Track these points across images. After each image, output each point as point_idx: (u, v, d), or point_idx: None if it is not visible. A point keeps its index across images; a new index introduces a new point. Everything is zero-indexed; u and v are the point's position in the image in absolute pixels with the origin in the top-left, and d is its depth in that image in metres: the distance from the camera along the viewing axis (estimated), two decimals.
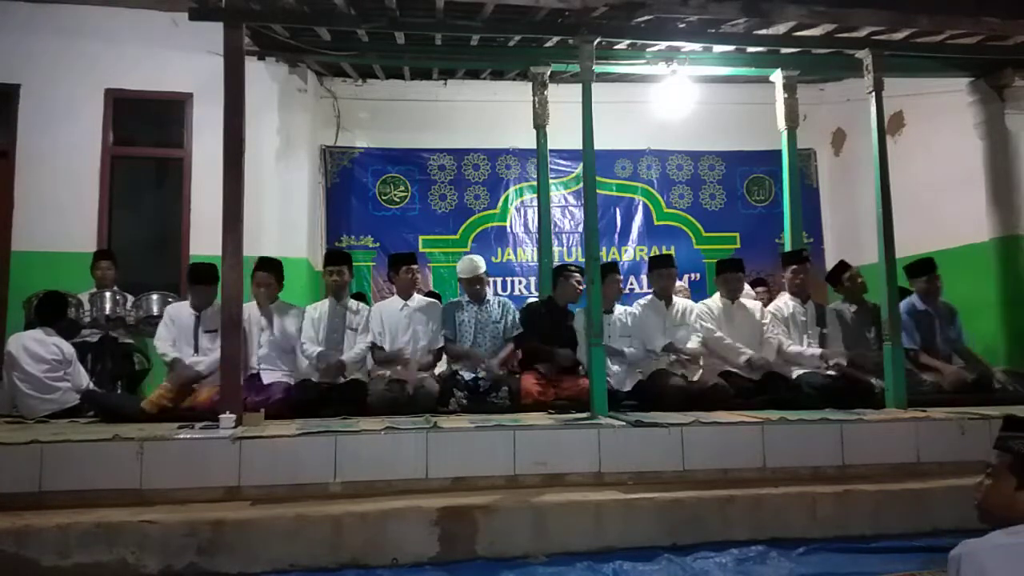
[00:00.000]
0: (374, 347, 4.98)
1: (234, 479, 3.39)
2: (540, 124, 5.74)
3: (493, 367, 4.86)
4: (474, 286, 5.14)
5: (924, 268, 5.43)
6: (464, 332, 5.07)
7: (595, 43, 4.72)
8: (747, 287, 5.78)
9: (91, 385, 4.81)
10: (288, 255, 6.03)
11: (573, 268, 5.30)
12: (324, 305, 5.01)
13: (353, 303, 5.10)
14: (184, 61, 6.05)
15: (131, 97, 6.21)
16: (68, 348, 4.73)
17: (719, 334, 5.05)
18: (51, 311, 4.84)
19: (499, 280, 7.39)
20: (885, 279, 4.80)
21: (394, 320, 5.03)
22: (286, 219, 6.42)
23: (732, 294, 5.22)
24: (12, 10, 6.01)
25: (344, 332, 4.94)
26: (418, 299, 5.17)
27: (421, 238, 7.40)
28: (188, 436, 3.51)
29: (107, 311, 5.17)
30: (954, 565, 1.61)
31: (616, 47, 5.49)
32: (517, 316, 5.23)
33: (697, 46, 5.45)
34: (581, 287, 5.07)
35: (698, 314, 5.16)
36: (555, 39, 5.46)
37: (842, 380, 4.81)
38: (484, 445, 3.60)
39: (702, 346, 5.05)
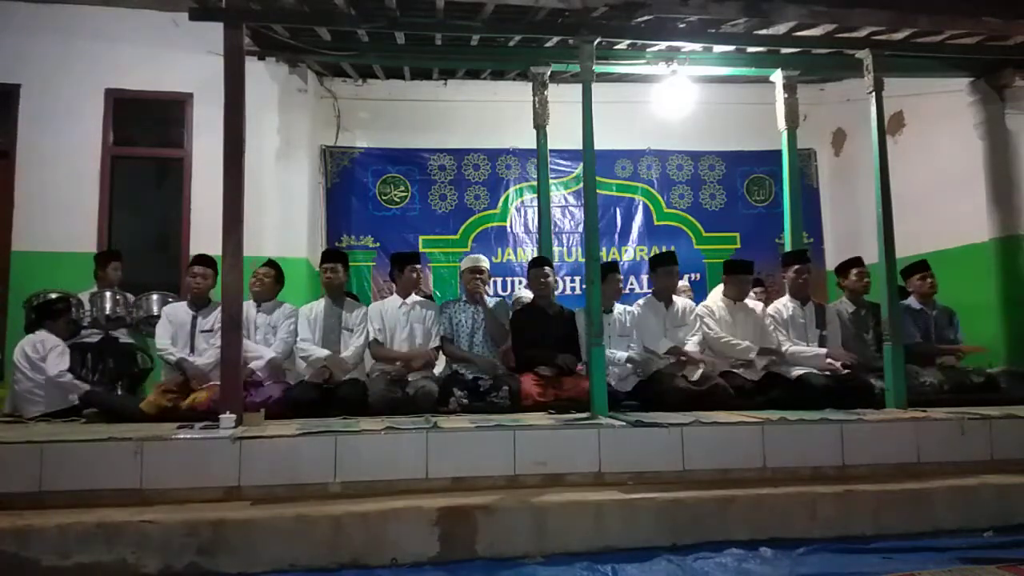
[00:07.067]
0: (375, 343, 4.95)
1: (234, 479, 3.39)
2: (540, 124, 5.74)
3: (497, 368, 4.85)
4: (474, 275, 5.06)
5: (917, 267, 5.49)
6: (461, 333, 5.01)
7: (595, 43, 4.71)
8: None
9: (76, 379, 4.85)
10: (288, 255, 6.05)
11: (539, 262, 5.22)
12: (320, 305, 4.99)
13: (351, 302, 5.10)
14: (184, 61, 6.06)
15: (131, 97, 6.21)
16: (51, 341, 4.82)
17: (721, 334, 5.04)
18: (48, 313, 4.97)
19: (499, 280, 7.39)
20: (885, 279, 4.80)
21: (392, 318, 5.02)
22: (286, 219, 6.42)
23: (738, 296, 5.20)
24: (12, 10, 6.02)
25: (340, 332, 4.93)
26: (416, 298, 5.15)
27: (421, 238, 7.40)
28: (188, 436, 3.51)
29: (107, 311, 5.16)
30: None
31: (616, 47, 5.50)
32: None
33: (697, 46, 5.46)
34: (544, 280, 5.05)
35: (699, 314, 5.14)
36: (555, 39, 5.48)
37: (842, 380, 4.79)
38: (484, 445, 3.59)
39: (703, 346, 5.03)
